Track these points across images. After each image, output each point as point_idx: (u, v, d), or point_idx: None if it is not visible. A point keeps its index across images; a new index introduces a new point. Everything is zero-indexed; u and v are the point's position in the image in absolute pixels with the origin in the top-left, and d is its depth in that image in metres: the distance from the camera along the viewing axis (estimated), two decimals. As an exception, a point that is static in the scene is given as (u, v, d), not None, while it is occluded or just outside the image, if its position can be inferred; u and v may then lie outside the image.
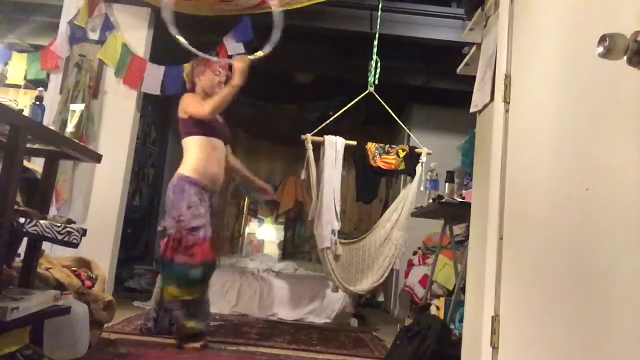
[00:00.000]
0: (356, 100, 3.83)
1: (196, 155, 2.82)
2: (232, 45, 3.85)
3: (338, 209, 3.79)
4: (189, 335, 2.70)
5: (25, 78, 3.94)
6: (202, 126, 2.82)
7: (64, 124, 3.34)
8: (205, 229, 2.71)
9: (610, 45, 1.00)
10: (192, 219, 2.68)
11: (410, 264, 4.64)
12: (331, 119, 3.83)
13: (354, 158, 3.97)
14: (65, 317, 2.03)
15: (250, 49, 3.75)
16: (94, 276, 2.52)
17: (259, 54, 2.62)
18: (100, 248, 3.52)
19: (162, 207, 6.38)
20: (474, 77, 2.51)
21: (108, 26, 3.90)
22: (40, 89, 2.26)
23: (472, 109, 2.48)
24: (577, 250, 1.30)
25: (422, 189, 3.72)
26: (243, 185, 6.94)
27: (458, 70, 2.88)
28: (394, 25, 4.04)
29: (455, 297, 2.88)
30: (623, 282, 1.10)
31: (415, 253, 4.72)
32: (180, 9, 3.77)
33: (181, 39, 2.53)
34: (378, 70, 3.82)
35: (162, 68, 3.92)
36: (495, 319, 1.82)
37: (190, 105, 2.85)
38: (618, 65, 1.02)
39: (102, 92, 3.87)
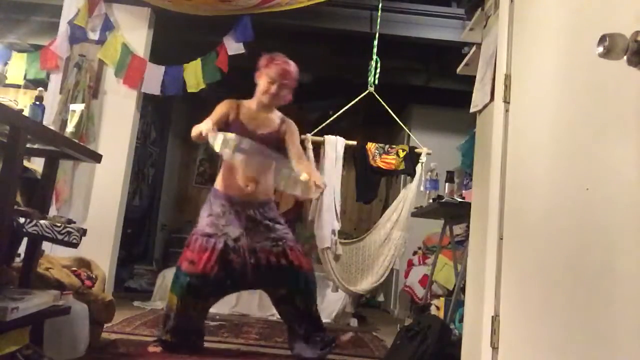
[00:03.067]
0: (356, 100, 3.83)
1: (222, 167, 2.64)
2: (232, 45, 3.85)
3: (338, 209, 3.79)
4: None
5: (25, 78, 3.93)
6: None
7: (64, 124, 3.34)
8: (217, 240, 2.51)
9: (610, 45, 1.00)
10: (207, 227, 2.55)
11: (410, 264, 4.64)
12: (331, 119, 3.83)
13: (354, 158, 3.97)
14: (65, 317, 2.03)
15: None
16: (94, 276, 2.52)
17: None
18: (100, 248, 3.52)
19: (162, 207, 6.42)
20: (474, 77, 2.51)
21: (108, 26, 3.89)
22: (40, 89, 2.26)
23: (472, 109, 2.48)
24: (577, 250, 1.30)
25: (422, 189, 3.72)
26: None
27: (458, 70, 2.88)
28: (394, 25, 4.05)
29: (455, 297, 2.88)
30: (623, 282, 1.10)
31: (415, 253, 4.71)
32: (180, 9, 3.78)
33: None
34: (378, 70, 3.82)
35: (162, 68, 3.92)
36: (495, 319, 1.82)
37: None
38: (618, 65, 1.02)
39: (102, 92, 3.87)
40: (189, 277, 2.48)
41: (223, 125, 2.53)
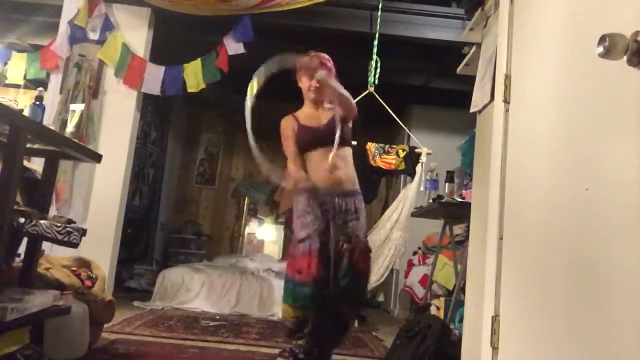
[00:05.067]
0: (356, 100, 3.82)
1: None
2: (232, 45, 3.85)
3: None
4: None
5: (25, 78, 3.93)
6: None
7: (64, 124, 3.34)
8: (312, 241, 2.35)
9: (610, 45, 1.00)
10: (300, 230, 2.42)
11: (410, 264, 4.64)
12: (331, 119, 3.82)
13: (354, 158, 3.97)
14: (65, 317, 2.03)
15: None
16: (94, 276, 2.52)
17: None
18: (100, 248, 3.52)
19: (162, 206, 6.42)
20: (474, 77, 2.51)
21: (108, 26, 3.90)
22: (40, 89, 2.26)
23: (472, 109, 2.48)
24: (577, 250, 1.30)
25: (422, 189, 3.72)
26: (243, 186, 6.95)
27: (458, 70, 2.88)
28: (394, 25, 4.05)
29: (455, 297, 2.88)
30: (623, 281, 1.10)
31: (415, 253, 4.72)
32: (180, 9, 3.78)
33: None
34: (378, 70, 3.82)
35: (162, 68, 3.92)
36: (495, 319, 1.82)
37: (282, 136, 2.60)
38: (618, 65, 1.02)
39: (102, 92, 3.87)
40: (302, 287, 2.34)
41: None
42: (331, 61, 2.61)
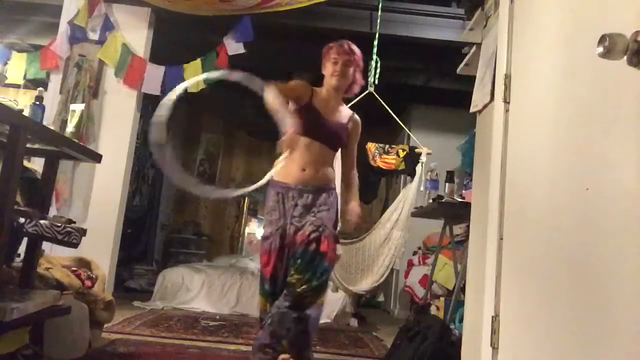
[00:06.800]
0: (356, 100, 3.82)
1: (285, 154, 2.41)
2: (232, 45, 3.85)
3: (338, 209, 3.78)
4: None
5: (25, 78, 3.93)
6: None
7: (64, 124, 3.34)
8: (273, 239, 2.35)
9: (610, 45, 1.00)
10: (267, 227, 2.41)
11: (410, 264, 4.64)
12: (331, 119, 3.82)
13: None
14: (65, 317, 2.03)
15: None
16: (94, 276, 2.52)
17: None
18: (100, 248, 3.52)
19: (162, 206, 6.42)
20: (474, 77, 2.51)
21: (108, 26, 3.89)
22: (40, 89, 2.26)
23: (472, 109, 2.48)
24: (577, 250, 1.30)
25: (422, 189, 3.72)
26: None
27: (458, 70, 2.88)
28: (394, 25, 4.04)
29: (455, 297, 2.88)
30: (623, 281, 1.10)
31: (415, 253, 4.72)
32: (180, 9, 3.78)
33: None
34: (378, 70, 3.82)
35: (162, 68, 3.92)
36: (495, 319, 1.82)
37: None
38: (618, 65, 1.02)
39: (102, 92, 3.87)
40: (263, 281, 2.41)
41: (289, 104, 2.40)
42: (358, 49, 2.49)
